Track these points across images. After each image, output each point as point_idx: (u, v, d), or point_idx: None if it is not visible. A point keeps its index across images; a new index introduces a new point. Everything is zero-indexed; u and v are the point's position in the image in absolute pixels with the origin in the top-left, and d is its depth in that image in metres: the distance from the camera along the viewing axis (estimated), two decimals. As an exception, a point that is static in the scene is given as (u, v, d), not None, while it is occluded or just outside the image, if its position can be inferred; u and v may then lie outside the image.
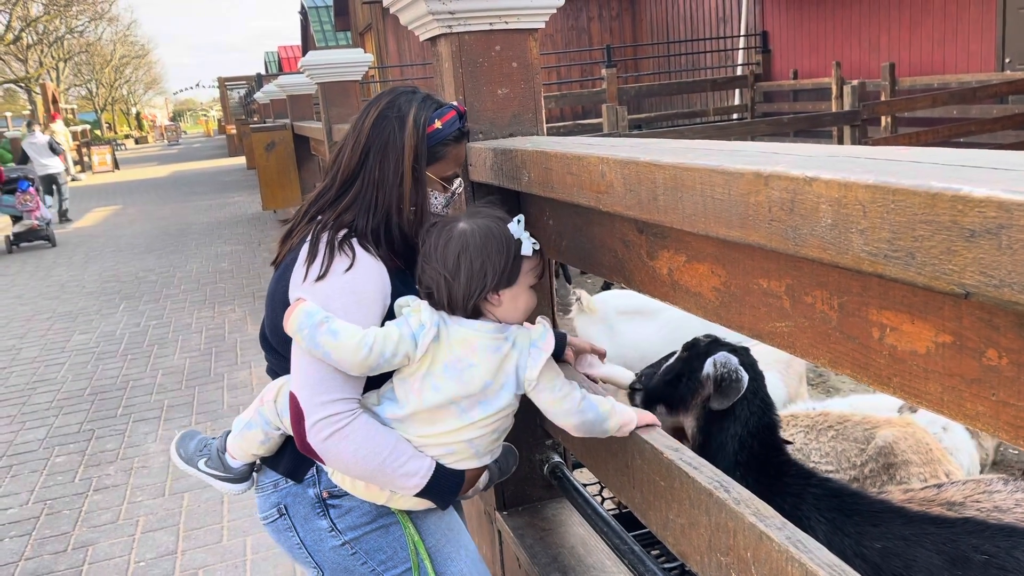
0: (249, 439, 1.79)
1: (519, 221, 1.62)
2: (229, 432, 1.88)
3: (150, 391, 5.89)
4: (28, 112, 38.97)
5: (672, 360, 2.31)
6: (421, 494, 1.64)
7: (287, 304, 1.67)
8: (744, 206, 0.99)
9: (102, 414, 5.51)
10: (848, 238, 0.82)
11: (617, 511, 2.71)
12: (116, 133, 59.44)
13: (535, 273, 1.65)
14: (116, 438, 5.07)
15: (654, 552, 2.47)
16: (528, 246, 1.61)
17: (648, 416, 1.65)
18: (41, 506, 4.25)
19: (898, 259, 0.75)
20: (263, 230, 12.95)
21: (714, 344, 2.20)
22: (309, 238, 1.69)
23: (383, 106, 1.75)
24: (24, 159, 15.85)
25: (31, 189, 12.93)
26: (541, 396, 1.59)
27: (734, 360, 2.11)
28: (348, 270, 1.62)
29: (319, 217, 1.74)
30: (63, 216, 16.14)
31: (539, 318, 1.67)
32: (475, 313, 1.59)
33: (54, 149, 16.02)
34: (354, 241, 1.67)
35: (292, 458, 1.77)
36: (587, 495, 2.12)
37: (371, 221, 1.70)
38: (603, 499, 2.85)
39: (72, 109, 45.02)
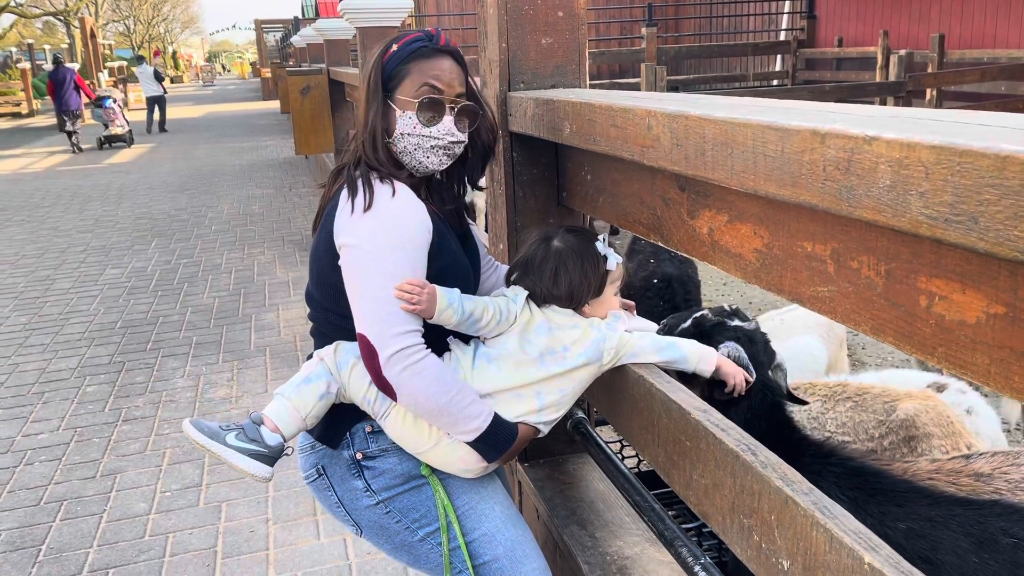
0: (308, 393, 1.74)
1: (604, 239, 1.81)
2: (255, 412, 1.88)
3: (179, 327, 5.98)
4: (66, 46, 39.10)
5: (679, 329, 2.20)
6: (476, 441, 1.68)
7: (331, 249, 1.70)
8: (797, 164, 0.97)
9: (132, 347, 5.61)
10: (907, 200, 0.80)
11: (636, 471, 2.72)
12: (152, 71, 59.41)
13: (619, 284, 1.84)
14: (145, 371, 5.16)
15: (671, 512, 2.47)
16: (613, 262, 1.78)
17: (729, 366, 1.85)
18: (71, 433, 4.35)
19: (960, 223, 0.73)
20: (295, 175, 12.99)
21: (720, 326, 2.08)
22: (345, 183, 1.73)
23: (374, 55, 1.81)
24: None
25: (112, 105, 17.61)
26: (626, 360, 1.79)
27: (743, 354, 1.95)
28: (393, 196, 1.67)
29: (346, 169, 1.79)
30: (162, 127, 20.96)
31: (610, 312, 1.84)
32: None
33: (159, 76, 20.78)
34: (388, 178, 1.72)
35: (326, 424, 1.80)
36: (609, 451, 2.13)
37: (373, 158, 1.74)
38: (622, 458, 2.86)
39: (109, 45, 45.09)
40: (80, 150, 17.55)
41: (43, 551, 3.28)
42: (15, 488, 3.79)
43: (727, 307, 2.19)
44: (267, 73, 30.90)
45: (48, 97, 20.62)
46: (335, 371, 1.76)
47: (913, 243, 0.94)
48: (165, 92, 21.37)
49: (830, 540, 1.14)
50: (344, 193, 1.70)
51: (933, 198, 0.76)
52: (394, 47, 1.77)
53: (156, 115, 20.95)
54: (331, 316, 1.79)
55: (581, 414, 2.37)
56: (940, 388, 2.80)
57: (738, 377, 1.85)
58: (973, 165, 0.71)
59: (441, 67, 1.75)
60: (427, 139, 1.74)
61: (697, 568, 1.61)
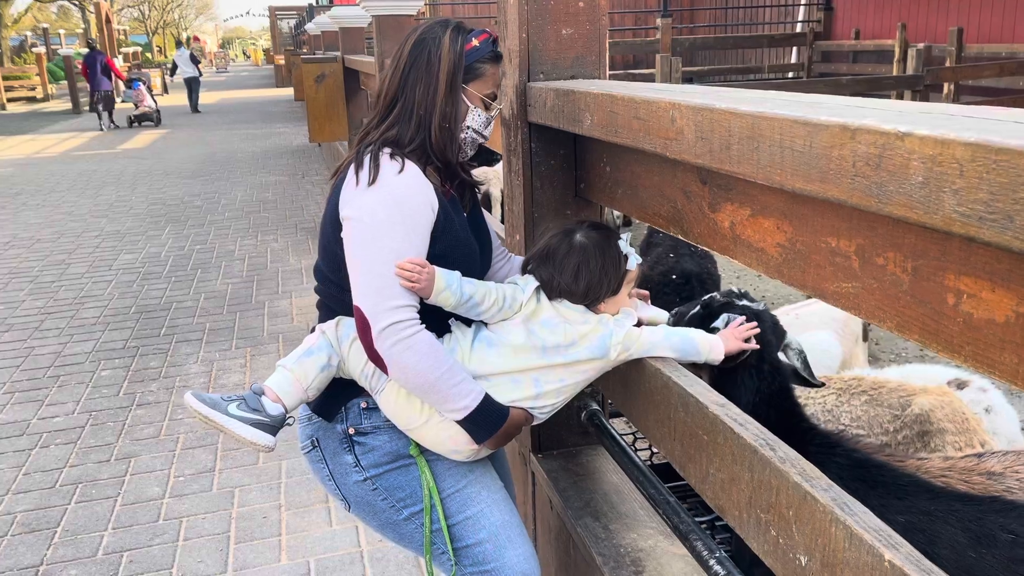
0: (310, 365, 1.77)
1: (626, 239, 1.79)
2: (256, 383, 1.89)
3: (192, 314, 6.01)
4: (81, 31, 39.21)
5: (690, 315, 2.21)
6: (466, 420, 1.68)
7: (336, 221, 1.72)
8: (826, 160, 0.96)
9: (146, 332, 5.64)
10: (940, 197, 0.79)
11: (650, 463, 2.72)
12: (166, 57, 59.62)
13: (635, 283, 1.83)
14: (159, 356, 5.19)
15: (685, 505, 2.47)
16: (633, 261, 1.78)
17: (733, 335, 1.84)
18: (86, 416, 4.39)
19: (995, 222, 0.73)
20: (308, 162, 13.00)
21: (728, 305, 2.07)
22: (355, 156, 1.75)
23: (420, 32, 1.82)
24: (175, 67, 24.50)
25: (140, 87, 19.50)
26: (636, 356, 1.75)
27: (737, 315, 1.97)
28: (399, 172, 1.68)
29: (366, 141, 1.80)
30: (194, 108, 22.74)
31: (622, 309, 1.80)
32: None
33: (195, 60, 22.67)
34: (399, 155, 1.73)
35: (323, 397, 1.83)
36: (624, 444, 2.13)
37: (415, 137, 1.76)
38: (636, 450, 2.85)
39: (124, 31, 45.16)
40: (112, 127, 19.24)
41: (58, 533, 3.31)
42: (31, 470, 3.82)
43: (735, 290, 2.18)
44: (281, 60, 30.92)
45: (63, 81, 22.99)
46: (336, 344, 1.78)
47: (942, 240, 0.94)
48: (200, 75, 23.08)
49: (850, 537, 1.14)
50: (351, 167, 1.72)
51: (967, 196, 0.75)
52: (475, 41, 1.81)
53: (195, 95, 22.89)
54: (334, 289, 1.82)
55: (595, 406, 2.37)
56: (961, 385, 2.78)
57: (741, 341, 1.83)
58: (1010, 163, 0.70)
59: (500, 76, 1.88)
60: (480, 137, 1.86)
61: (712, 562, 1.61)
